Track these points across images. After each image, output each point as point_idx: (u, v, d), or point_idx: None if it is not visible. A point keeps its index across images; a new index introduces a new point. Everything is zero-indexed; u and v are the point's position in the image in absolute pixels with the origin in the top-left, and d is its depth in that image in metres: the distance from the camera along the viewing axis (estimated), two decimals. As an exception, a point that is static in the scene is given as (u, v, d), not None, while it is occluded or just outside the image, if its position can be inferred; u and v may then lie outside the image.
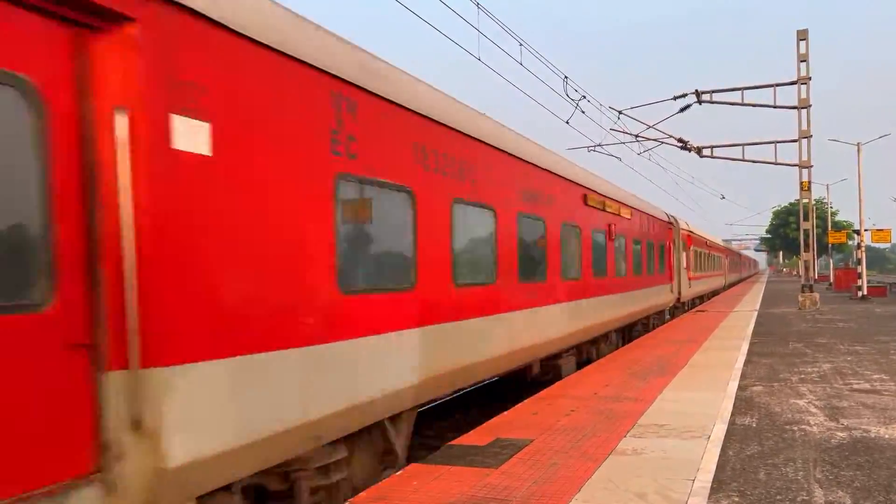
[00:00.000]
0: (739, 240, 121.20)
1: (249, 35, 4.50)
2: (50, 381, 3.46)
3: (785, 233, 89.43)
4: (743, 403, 9.23)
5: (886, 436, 7.39)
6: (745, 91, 26.75)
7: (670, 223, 24.37)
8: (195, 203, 4.05)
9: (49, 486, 3.39)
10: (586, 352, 14.38)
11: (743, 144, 28.93)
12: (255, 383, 4.51)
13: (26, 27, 3.43)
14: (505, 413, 8.78)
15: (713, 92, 27.44)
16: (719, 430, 7.60)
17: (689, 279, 28.42)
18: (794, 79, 26.45)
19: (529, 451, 6.87)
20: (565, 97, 20.08)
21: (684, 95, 27.35)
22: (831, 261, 60.80)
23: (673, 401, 9.29)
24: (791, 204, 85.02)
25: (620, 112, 27.08)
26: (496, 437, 7.43)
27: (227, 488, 4.62)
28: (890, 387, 10.34)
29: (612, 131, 27.74)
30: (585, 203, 13.01)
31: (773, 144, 28.36)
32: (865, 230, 38.22)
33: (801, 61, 26.27)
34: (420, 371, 6.81)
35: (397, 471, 6.37)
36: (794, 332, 19.08)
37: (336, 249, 5.49)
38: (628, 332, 19.19)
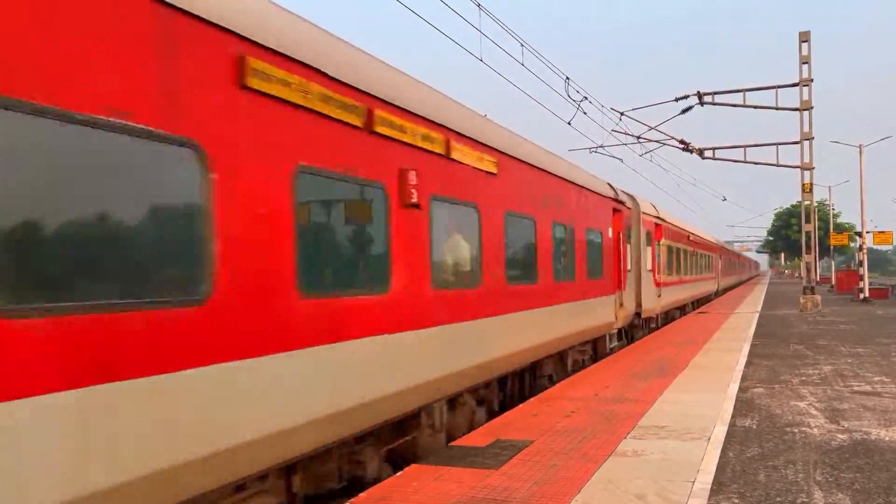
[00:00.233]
0: (741, 241, 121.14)
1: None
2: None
3: (787, 234, 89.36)
4: (743, 405, 9.22)
5: (887, 438, 7.39)
6: (746, 93, 26.75)
7: (619, 202, 16.26)
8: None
9: None
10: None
11: (745, 146, 28.92)
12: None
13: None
14: (505, 414, 8.79)
15: (715, 93, 27.43)
16: (719, 432, 7.61)
17: (658, 285, 20.78)
18: (796, 81, 26.45)
19: (529, 452, 6.88)
20: (567, 98, 20.09)
21: (686, 97, 27.34)
22: (833, 263, 60.76)
23: (673, 402, 9.29)
24: (793, 206, 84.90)
25: (622, 113, 27.08)
26: (496, 438, 7.44)
27: None
28: (891, 389, 10.33)
29: (613, 132, 27.75)
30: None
31: (774, 146, 28.35)
32: (867, 232, 38.20)
33: (803, 63, 26.25)
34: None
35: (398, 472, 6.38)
36: (796, 334, 19.07)
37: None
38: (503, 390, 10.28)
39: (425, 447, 7.19)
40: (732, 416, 8.48)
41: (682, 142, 28.87)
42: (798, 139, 26.82)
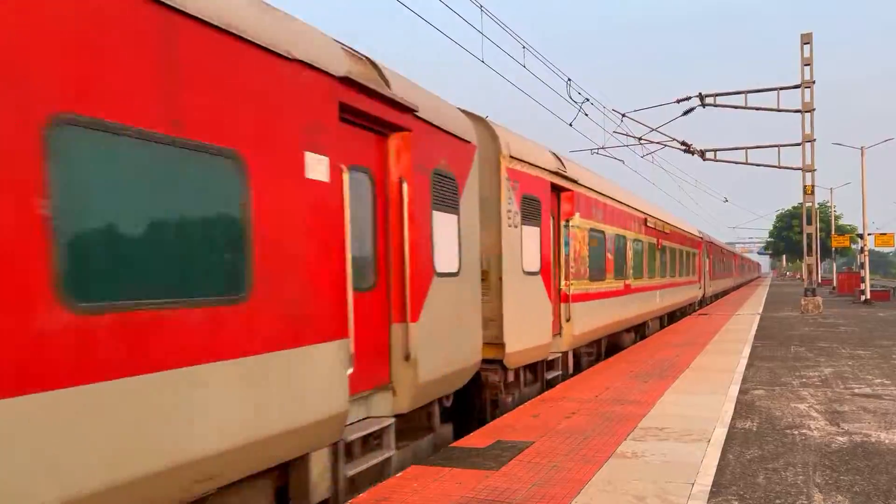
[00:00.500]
0: (743, 243, 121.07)
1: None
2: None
3: (788, 236, 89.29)
4: (744, 407, 9.23)
5: (887, 441, 7.39)
6: (748, 94, 26.75)
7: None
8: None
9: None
10: None
11: (746, 148, 28.90)
12: None
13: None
14: (506, 415, 8.80)
15: (716, 95, 27.43)
16: (720, 434, 7.62)
17: (566, 300, 12.12)
18: (798, 82, 26.45)
19: (530, 453, 6.90)
20: (568, 100, 20.12)
21: (687, 98, 27.34)
22: (834, 265, 60.70)
23: (674, 404, 9.31)
24: (794, 207, 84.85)
25: (623, 115, 27.10)
26: (497, 440, 7.45)
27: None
28: (891, 391, 10.34)
29: (615, 134, 27.77)
30: None
31: (776, 148, 28.35)
32: (869, 234, 38.16)
33: (805, 65, 26.25)
34: None
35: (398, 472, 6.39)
36: (797, 336, 19.06)
37: None
38: None
39: None
40: (732, 418, 8.49)
41: (683, 143, 28.88)
42: (799, 141, 26.82)
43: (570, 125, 21.66)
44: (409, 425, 7.33)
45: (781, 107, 26.54)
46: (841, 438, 7.54)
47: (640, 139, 28.42)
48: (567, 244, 12.23)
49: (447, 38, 12.62)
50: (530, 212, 10.34)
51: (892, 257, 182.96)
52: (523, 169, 10.16)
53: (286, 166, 4.93)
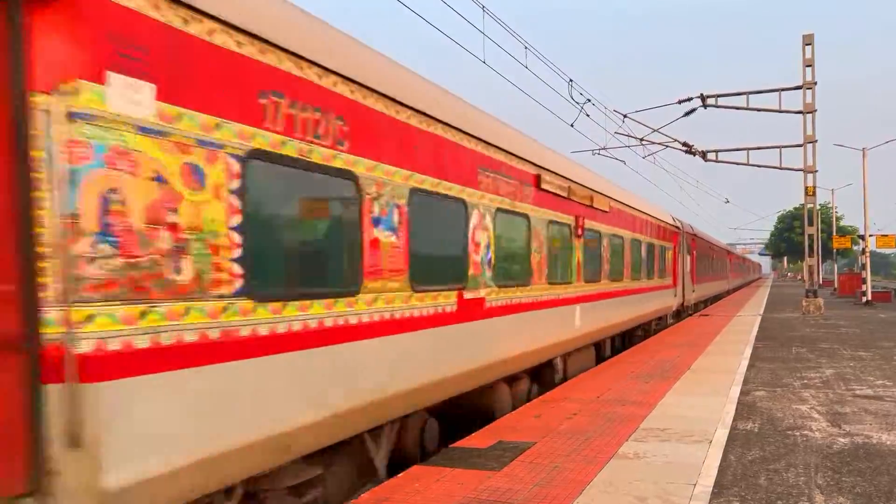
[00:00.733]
0: (744, 244, 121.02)
1: None
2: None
3: (789, 237, 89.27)
4: (745, 408, 9.24)
5: (888, 442, 7.40)
6: (749, 95, 26.75)
7: None
8: None
9: None
10: None
11: (748, 149, 28.91)
12: None
13: None
14: (508, 416, 8.80)
15: (718, 96, 27.43)
16: (721, 435, 7.62)
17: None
18: (800, 84, 26.44)
19: (531, 453, 6.90)
20: (570, 100, 20.12)
21: (689, 99, 27.33)
22: (836, 266, 60.70)
23: (675, 405, 9.31)
24: (795, 208, 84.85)
25: (625, 115, 27.09)
26: (498, 440, 7.46)
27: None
28: (893, 393, 10.34)
29: (616, 134, 27.76)
30: None
31: (777, 149, 28.34)
32: (870, 235, 38.14)
33: (807, 66, 26.25)
34: None
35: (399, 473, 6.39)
36: (798, 337, 19.06)
37: None
38: None
39: None
40: (734, 420, 8.49)
41: (684, 144, 28.87)
42: (801, 142, 26.81)
43: (572, 125, 21.66)
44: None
45: (783, 108, 26.54)
46: (842, 440, 7.55)
47: (641, 140, 28.42)
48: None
49: (448, 38, 12.62)
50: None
51: (894, 258, 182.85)
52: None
53: None
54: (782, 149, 28.07)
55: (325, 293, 5.32)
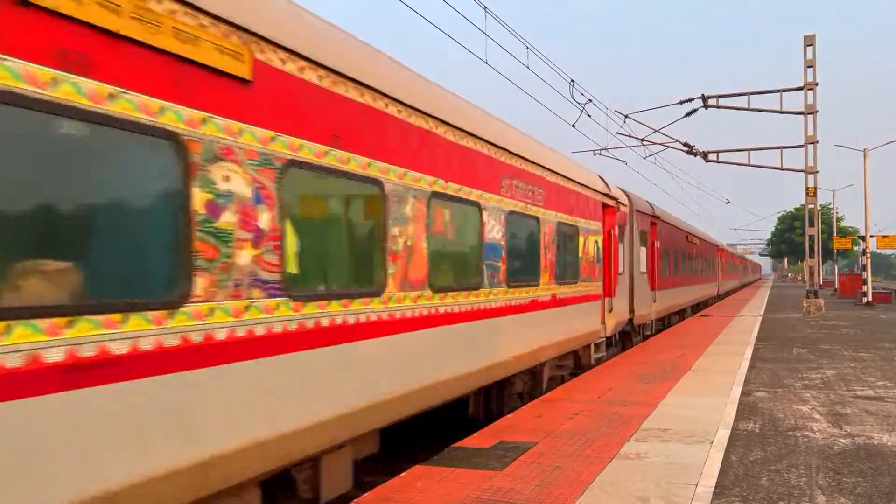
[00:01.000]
0: (745, 244, 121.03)
1: None
2: None
3: (790, 238, 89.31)
4: (746, 409, 9.25)
5: (889, 443, 7.41)
6: (751, 96, 26.76)
7: None
8: None
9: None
10: None
11: (749, 149, 28.92)
12: None
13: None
14: (509, 416, 8.82)
15: (719, 97, 27.44)
16: (722, 436, 7.63)
17: None
18: (801, 84, 26.45)
19: (533, 453, 6.92)
20: (571, 101, 20.13)
21: (690, 100, 27.34)
22: (836, 267, 60.70)
23: (676, 405, 9.32)
24: (796, 209, 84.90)
25: (626, 116, 27.11)
26: (500, 440, 7.47)
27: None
28: (893, 394, 10.35)
29: (617, 135, 27.78)
30: None
31: (779, 149, 28.35)
32: (871, 236, 38.14)
33: (808, 67, 26.25)
34: None
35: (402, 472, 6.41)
36: (799, 338, 19.07)
37: None
38: None
39: None
40: (735, 420, 8.50)
41: (686, 145, 28.88)
42: (802, 143, 26.82)
43: (573, 126, 21.67)
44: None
45: (784, 109, 26.55)
46: (843, 440, 7.56)
47: (642, 140, 28.44)
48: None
49: (451, 38, 12.64)
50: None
51: (895, 259, 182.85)
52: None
53: None
54: (783, 149, 28.09)
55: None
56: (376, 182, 6.02)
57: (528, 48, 15.48)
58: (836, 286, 50.15)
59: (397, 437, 8.63)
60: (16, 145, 3.27)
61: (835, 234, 53.74)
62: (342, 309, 5.50)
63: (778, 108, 26.58)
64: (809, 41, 26.27)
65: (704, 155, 29.37)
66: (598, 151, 28.18)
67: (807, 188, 27.02)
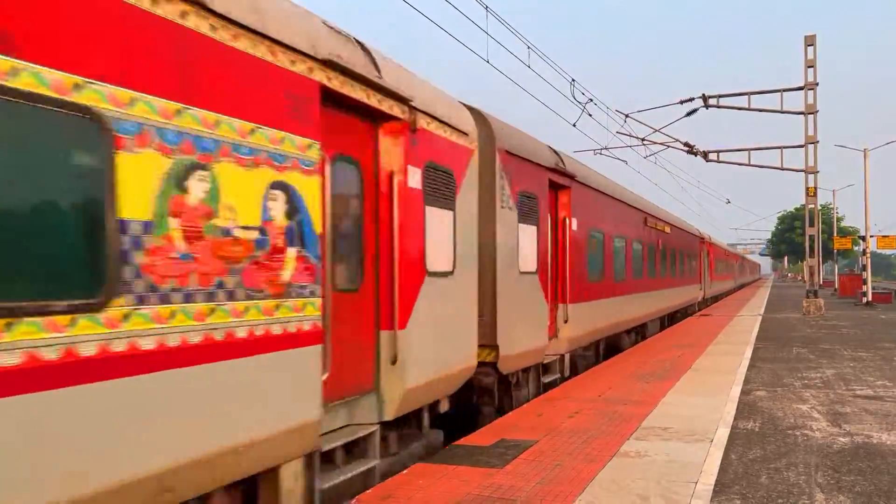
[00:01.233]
0: (745, 244, 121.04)
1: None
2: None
3: (790, 238, 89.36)
4: (746, 408, 9.28)
5: (888, 442, 7.44)
6: (751, 96, 26.79)
7: None
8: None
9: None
10: None
11: (749, 149, 28.95)
12: None
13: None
14: (509, 414, 8.85)
15: (720, 96, 27.47)
16: (722, 434, 7.67)
17: None
18: (801, 84, 26.48)
19: (534, 451, 6.95)
20: (572, 100, 20.16)
21: (691, 100, 27.38)
22: (836, 267, 60.72)
23: (676, 404, 9.36)
24: (796, 209, 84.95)
25: (627, 115, 27.13)
26: (501, 438, 7.50)
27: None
28: (892, 393, 10.38)
29: (618, 134, 27.80)
30: None
31: (779, 149, 28.38)
32: (871, 236, 38.17)
33: (809, 67, 26.28)
34: None
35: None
36: (798, 338, 19.10)
37: None
38: None
39: None
40: (735, 419, 8.53)
41: (686, 144, 28.91)
42: (803, 143, 26.84)
43: (574, 125, 21.70)
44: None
45: (785, 108, 26.57)
46: (842, 439, 7.59)
47: (643, 140, 28.46)
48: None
49: (452, 38, 12.67)
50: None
51: (895, 259, 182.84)
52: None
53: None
54: (784, 149, 28.12)
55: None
56: None
57: (529, 47, 15.51)
58: (836, 286, 50.19)
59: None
60: None
61: (835, 234, 53.77)
62: None
63: (778, 108, 26.61)
64: (810, 41, 26.29)
65: (705, 155, 29.40)
66: (599, 151, 28.21)
67: (807, 188, 27.05)
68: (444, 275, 7.35)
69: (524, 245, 9.90)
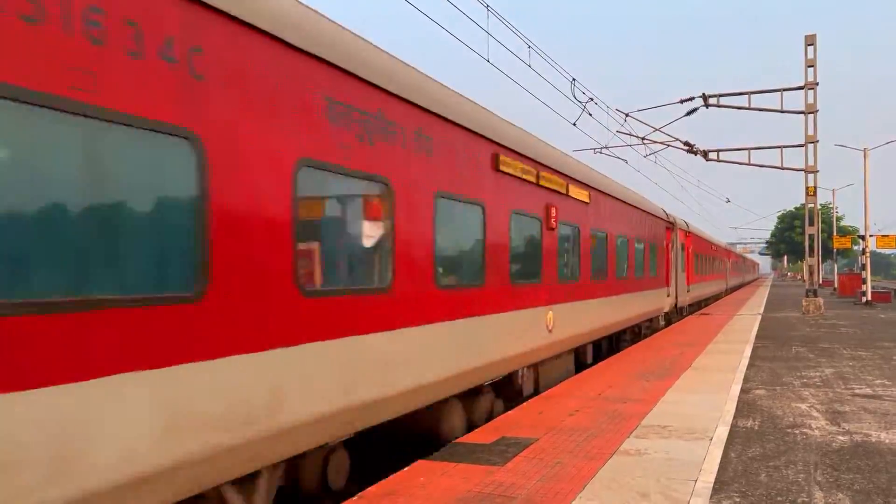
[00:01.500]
0: (745, 243, 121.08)
1: None
2: None
3: (790, 237, 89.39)
4: (745, 406, 9.32)
5: (887, 440, 7.48)
6: (752, 95, 26.81)
7: None
8: None
9: None
10: None
11: (749, 148, 28.97)
12: None
13: None
14: (510, 412, 8.89)
15: (720, 96, 27.49)
16: (722, 432, 7.71)
17: None
18: (802, 84, 26.51)
19: (534, 449, 6.99)
20: (573, 99, 20.18)
21: (691, 99, 27.40)
22: (836, 266, 60.75)
23: (676, 402, 9.40)
24: (796, 208, 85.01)
25: (627, 114, 27.16)
26: (502, 436, 7.55)
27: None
28: (891, 392, 10.42)
29: (618, 133, 27.83)
30: None
31: (779, 149, 28.41)
32: (871, 235, 38.22)
33: (809, 66, 26.31)
34: None
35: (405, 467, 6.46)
36: (798, 337, 19.14)
37: None
38: None
39: None
40: (734, 417, 8.58)
41: (686, 143, 28.94)
42: (802, 142, 26.88)
43: (574, 124, 21.73)
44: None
45: (785, 108, 26.60)
46: (841, 438, 7.63)
47: (643, 139, 28.49)
48: None
49: (454, 37, 12.69)
50: None
51: (894, 259, 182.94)
52: None
53: None
54: (783, 149, 28.15)
55: None
56: None
57: (529, 46, 15.53)
58: (836, 285, 50.23)
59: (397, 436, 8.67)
60: None
61: (834, 234, 53.83)
62: None
63: (778, 108, 26.64)
64: (810, 41, 26.31)
65: (705, 154, 29.43)
66: (599, 150, 28.25)
67: (807, 187, 27.09)
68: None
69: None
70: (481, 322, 8.26)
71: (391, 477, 6.10)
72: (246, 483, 4.96)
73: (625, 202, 16.36)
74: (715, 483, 5.93)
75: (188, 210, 4.31)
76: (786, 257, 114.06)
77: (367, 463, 7.47)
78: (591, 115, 21.31)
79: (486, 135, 8.52)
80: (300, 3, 5.49)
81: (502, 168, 8.90)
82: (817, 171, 26.82)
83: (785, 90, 26.53)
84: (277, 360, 4.95)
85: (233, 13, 4.57)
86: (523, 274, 9.76)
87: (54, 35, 3.51)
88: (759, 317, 26.41)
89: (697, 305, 31.92)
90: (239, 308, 4.63)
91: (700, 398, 9.73)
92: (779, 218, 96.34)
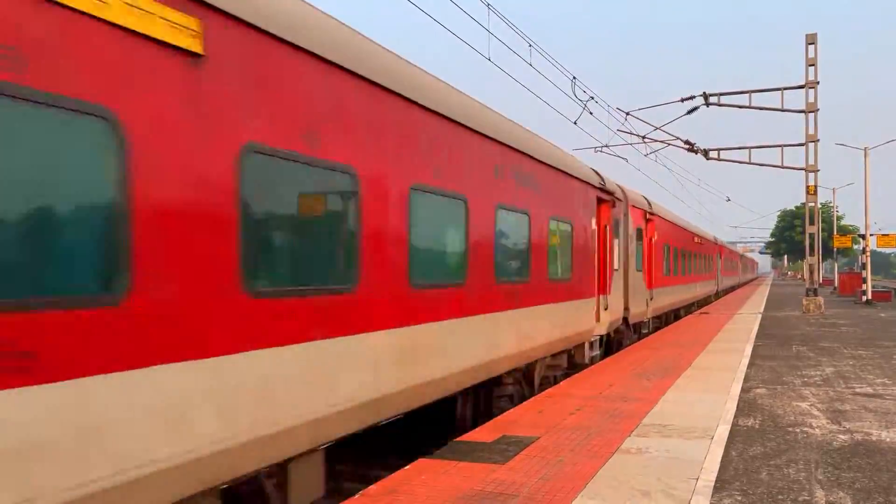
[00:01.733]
0: (745, 242, 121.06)
1: None
2: None
3: (790, 236, 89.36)
4: (746, 405, 9.33)
5: (888, 439, 7.49)
6: (752, 94, 26.81)
7: None
8: None
9: None
10: None
11: (750, 147, 28.97)
12: None
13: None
14: (511, 411, 8.90)
15: (721, 94, 27.49)
16: (722, 431, 7.71)
17: None
18: (802, 83, 26.50)
19: (536, 447, 7.00)
20: (573, 98, 20.18)
21: (692, 98, 27.40)
22: (836, 265, 60.76)
23: (677, 401, 9.40)
24: (797, 207, 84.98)
25: (627, 113, 27.16)
26: (503, 434, 7.55)
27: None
28: (892, 391, 10.43)
29: (618, 132, 27.84)
30: None
31: (779, 148, 28.41)
32: (871, 235, 38.20)
33: (810, 65, 26.30)
34: None
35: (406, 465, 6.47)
36: (798, 336, 19.15)
37: None
38: None
39: None
40: (735, 416, 8.58)
41: (686, 142, 28.94)
42: (803, 141, 26.88)
43: (575, 123, 21.73)
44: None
45: (785, 107, 26.60)
46: (842, 436, 7.64)
47: (643, 138, 28.49)
48: None
49: (454, 35, 12.69)
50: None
51: (894, 258, 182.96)
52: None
53: None
54: (784, 148, 28.15)
55: None
56: None
57: (530, 45, 15.53)
58: (836, 284, 50.24)
59: (398, 434, 8.72)
60: None
61: (835, 233, 53.79)
62: None
63: (779, 107, 26.64)
64: (811, 39, 26.30)
65: (705, 153, 29.43)
66: (600, 148, 28.25)
67: (807, 186, 27.09)
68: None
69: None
70: None
71: (392, 475, 6.10)
72: None
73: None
74: (716, 481, 5.93)
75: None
76: (786, 256, 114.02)
77: (367, 463, 7.47)
78: (591, 113, 21.31)
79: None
80: None
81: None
82: (818, 171, 26.83)
83: (785, 89, 26.54)
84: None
85: None
86: None
87: None
88: (760, 316, 26.42)
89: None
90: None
91: (701, 397, 9.73)
92: (779, 217, 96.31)
